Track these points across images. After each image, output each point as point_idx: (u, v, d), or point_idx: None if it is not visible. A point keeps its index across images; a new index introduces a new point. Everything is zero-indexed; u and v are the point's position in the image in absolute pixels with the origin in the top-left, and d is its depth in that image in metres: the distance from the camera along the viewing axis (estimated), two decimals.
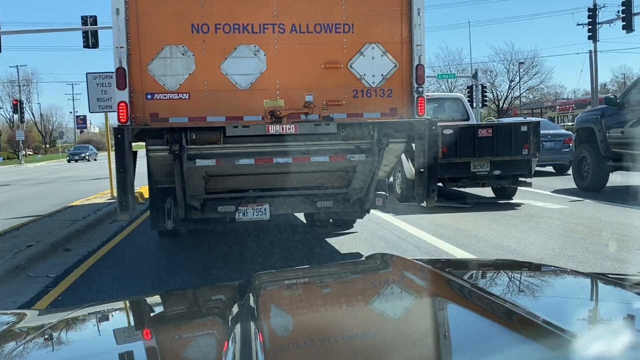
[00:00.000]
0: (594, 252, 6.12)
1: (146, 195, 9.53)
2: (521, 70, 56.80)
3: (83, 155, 52.22)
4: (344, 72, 5.51)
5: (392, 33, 5.56)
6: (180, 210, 5.82)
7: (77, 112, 73.21)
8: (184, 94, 5.30)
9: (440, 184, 8.88)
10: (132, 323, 1.70)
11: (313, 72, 5.46)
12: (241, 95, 5.38)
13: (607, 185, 11.20)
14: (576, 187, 11.66)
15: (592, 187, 11.17)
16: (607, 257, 5.93)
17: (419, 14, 5.51)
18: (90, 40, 23.46)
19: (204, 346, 1.33)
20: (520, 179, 10.07)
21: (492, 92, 55.03)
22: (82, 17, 23.46)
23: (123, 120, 5.15)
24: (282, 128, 5.26)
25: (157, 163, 5.53)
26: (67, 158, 53.63)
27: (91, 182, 19.68)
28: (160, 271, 6.22)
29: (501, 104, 57.70)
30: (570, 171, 13.10)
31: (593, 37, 30.99)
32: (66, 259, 6.81)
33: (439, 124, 6.39)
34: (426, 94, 6.17)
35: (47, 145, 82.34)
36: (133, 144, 5.24)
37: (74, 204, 11.83)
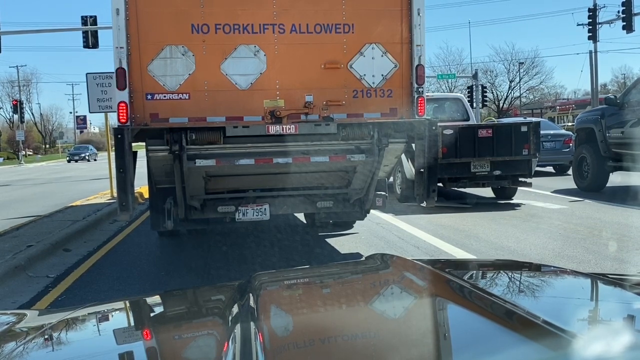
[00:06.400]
0: (594, 252, 6.12)
1: (146, 195, 9.52)
2: (521, 70, 56.81)
3: (83, 155, 52.25)
4: (344, 73, 5.51)
5: (392, 33, 5.56)
6: (180, 211, 5.82)
7: (77, 112, 73.01)
8: (184, 94, 5.30)
9: (440, 184, 8.87)
10: (132, 323, 1.70)
11: (313, 72, 5.46)
12: (241, 96, 5.38)
13: (607, 185, 11.20)
14: (576, 187, 11.66)
15: (592, 187, 11.17)
16: (607, 257, 5.93)
17: (419, 14, 5.51)
18: (90, 41, 23.46)
19: (204, 346, 1.33)
20: (520, 179, 10.07)
21: (492, 92, 55.00)
22: (82, 17, 23.47)
23: (123, 121, 5.16)
24: (282, 128, 5.26)
25: (157, 163, 5.53)
26: (67, 158, 53.66)
27: (91, 182, 19.68)
28: (160, 271, 6.22)
29: (501, 104, 57.66)
30: (570, 171, 13.09)
31: (593, 37, 30.97)
32: (66, 259, 6.80)
33: (439, 124, 6.39)
34: (426, 94, 6.17)
35: (47, 146, 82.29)
36: (133, 144, 5.24)
37: (74, 204, 11.83)
